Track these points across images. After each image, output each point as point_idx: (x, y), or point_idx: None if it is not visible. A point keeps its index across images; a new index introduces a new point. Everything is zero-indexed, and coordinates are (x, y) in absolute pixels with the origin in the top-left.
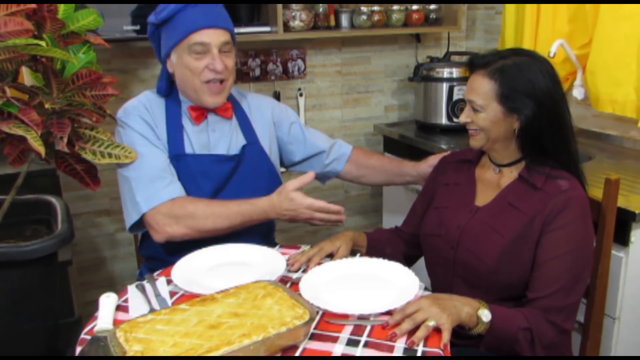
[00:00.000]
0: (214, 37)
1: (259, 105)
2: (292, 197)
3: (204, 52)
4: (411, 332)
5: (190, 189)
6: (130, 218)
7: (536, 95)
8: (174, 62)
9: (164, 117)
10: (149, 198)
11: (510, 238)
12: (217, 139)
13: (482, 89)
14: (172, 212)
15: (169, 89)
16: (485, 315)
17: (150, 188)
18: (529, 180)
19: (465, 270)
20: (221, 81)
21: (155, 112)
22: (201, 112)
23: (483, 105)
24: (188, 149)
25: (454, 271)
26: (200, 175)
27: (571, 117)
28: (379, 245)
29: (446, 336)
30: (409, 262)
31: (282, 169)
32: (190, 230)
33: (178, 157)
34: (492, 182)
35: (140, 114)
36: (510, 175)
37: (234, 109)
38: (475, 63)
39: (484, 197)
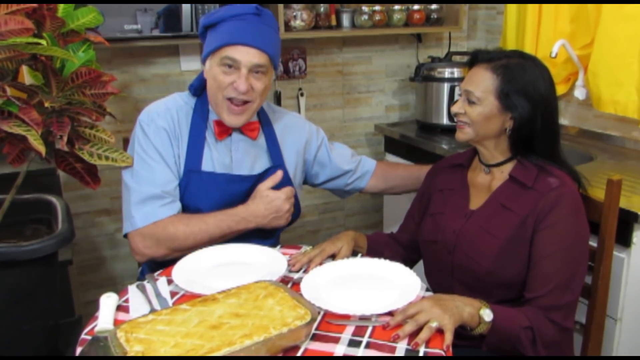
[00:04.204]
0: (246, 56)
1: (291, 127)
2: (266, 194)
3: (234, 68)
4: (413, 334)
5: (201, 202)
6: (125, 228)
7: (535, 98)
8: (207, 69)
9: (188, 127)
10: (145, 215)
11: (505, 239)
12: (240, 159)
13: (483, 82)
14: (153, 234)
15: (200, 89)
16: (487, 314)
17: (148, 206)
18: (520, 180)
19: (464, 274)
20: (245, 102)
21: (181, 122)
22: (225, 129)
23: (480, 97)
24: (207, 165)
25: (453, 276)
26: (214, 192)
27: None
28: (378, 247)
29: (449, 337)
30: (407, 266)
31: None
32: (170, 251)
33: (193, 172)
34: (484, 184)
35: (164, 125)
36: (501, 176)
37: (263, 129)
38: (479, 57)
39: (477, 200)
